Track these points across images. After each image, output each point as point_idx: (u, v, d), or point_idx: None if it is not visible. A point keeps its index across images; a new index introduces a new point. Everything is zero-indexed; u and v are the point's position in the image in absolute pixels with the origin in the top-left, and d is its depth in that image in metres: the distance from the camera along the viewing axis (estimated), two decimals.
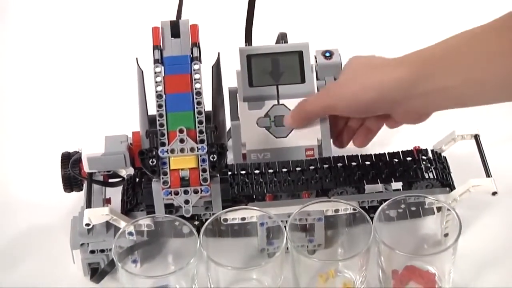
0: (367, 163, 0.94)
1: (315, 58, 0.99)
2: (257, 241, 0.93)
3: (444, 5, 1.31)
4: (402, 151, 0.96)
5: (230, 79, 0.98)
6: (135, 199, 0.92)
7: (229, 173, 0.93)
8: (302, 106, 0.96)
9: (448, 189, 0.94)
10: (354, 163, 0.94)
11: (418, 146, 0.96)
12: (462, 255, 0.88)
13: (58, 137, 1.10)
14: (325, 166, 0.94)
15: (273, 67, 0.98)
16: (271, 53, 0.98)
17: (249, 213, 0.91)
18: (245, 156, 0.97)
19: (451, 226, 0.90)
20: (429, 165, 0.94)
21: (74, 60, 1.25)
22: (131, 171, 0.95)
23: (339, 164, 0.94)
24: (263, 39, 1.00)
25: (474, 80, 0.84)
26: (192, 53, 0.89)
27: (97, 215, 0.88)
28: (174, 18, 0.91)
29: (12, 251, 0.96)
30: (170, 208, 0.90)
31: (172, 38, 0.90)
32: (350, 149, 0.99)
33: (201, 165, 0.86)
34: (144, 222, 0.89)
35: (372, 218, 0.87)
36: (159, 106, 0.87)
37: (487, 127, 0.99)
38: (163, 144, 0.86)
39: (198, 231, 0.87)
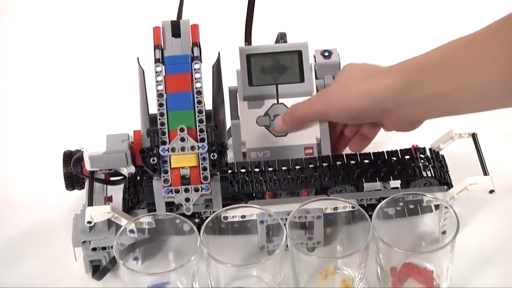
0: (366, 161, 0.95)
1: (314, 57, 1.00)
2: (257, 239, 0.93)
3: (443, 6, 1.31)
4: (400, 150, 0.96)
5: (230, 79, 0.98)
6: (136, 197, 0.93)
7: (229, 171, 0.93)
8: (293, 110, 0.96)
9: (446, 187, 0.94)
10: (353, 162, 0.95)
11: (416, 145, 0.97)
12: (460, 252, 0.88)
13: (60, 136, 1.10)
14: (324, 164, 0.94)
15: (273, 66, 0.98)
16: (270, 53, 0.98)
17: (249, 211, 0.91)
18: (245, 155, 0.97)
19: (448, 223, 0.90)
20: (427, 163, 0.95)
21: (77, 60, 1.25)
22: (132, 169, 0.95)
23: (338, 163, 0.94)
24: (263, 39, 1.01)
25: (466, 87, 0.84)
26: (192, 52, 0.89)
27: (99, 213, 0.88)
28: (175, 18, 0.92)
29: (15, 248, 0.97)
30: (171, 206, 0.90)
31: (173, 38, 0.90)
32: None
33: (202, 164, 0.86)
34: (145, 220, 0.90)
35: (370, 216, 0.87)
36: (160, 105, 0.87)
37: (484, 126, 0.99)
38: (164, 143, 0.87)
39: (199, 229, 0.87)
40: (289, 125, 0.96)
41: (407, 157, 0.95)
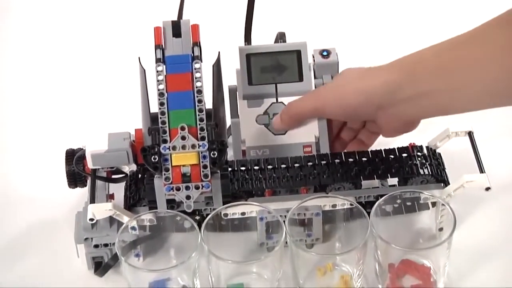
0: (364, 159, 0.95)
1: (313, 57, 1.00)
2: (256, 236, 0.93)
3: (442, 5, 1.32)
4: (397, 148, 0.96)
5: (230, 78, 0.98)
6: (138, 195, 0.93)
7: (229, 169, 0.93)
8: (290, 107, 0.96)
9: (442, 184, 0.94)
10: (351, 160, 0.95)
11: (413, 143, 0.97)
12: (457, 249, 0.88)
13: (62, 135, 1.10)
14: (323, 162, 0.94)
15: (272, 66, 0.98)
16: (270, 52, 0.98)
17: (249, 208, 0.91)
18: (244, 153, 0.97)
19: (445, 220, 0.91)
20: (424, 161, 0.95)
21: (79, 60, 1.25)
22: (133, 167, 0.96)
23: (337, 161, 0.94)
24: (262, 39, 1.01)
25: (461, 85, 0.84)
26: (193, 52, 0.90)
27: (101, 210, 0.89)
28: (175, 18, 0.92)
29: (18, 245, 0.97)
30: (171, 204, 0.90)
31: (174, 38, 0.91)
32: None
33: (202, 162, 0.87)
34: (147, 217, 0.90)
35: (369, 213, 0.88)
36: (161, 104, 0.88)
37: (480, 124, 0.99)
38: (165, 141, 0.87)
39: (199, 226, 0.88)
40: (286, 122, 0.96)
41: (404, 155, 0.95)
